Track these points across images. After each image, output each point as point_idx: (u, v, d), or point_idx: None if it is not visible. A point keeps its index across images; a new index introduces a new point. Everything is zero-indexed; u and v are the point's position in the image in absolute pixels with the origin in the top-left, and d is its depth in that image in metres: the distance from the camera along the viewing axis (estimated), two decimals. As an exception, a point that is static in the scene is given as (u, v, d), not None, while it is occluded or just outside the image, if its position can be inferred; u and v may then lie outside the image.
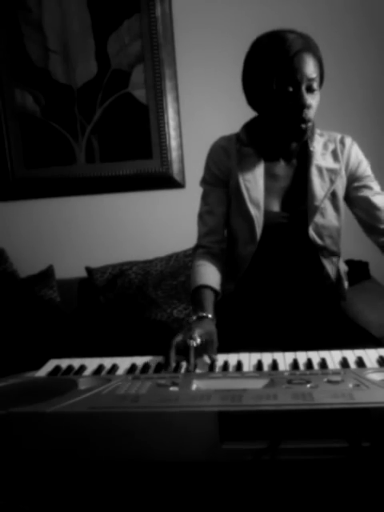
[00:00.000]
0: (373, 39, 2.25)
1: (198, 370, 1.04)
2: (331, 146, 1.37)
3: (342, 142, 1.38)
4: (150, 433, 0.73)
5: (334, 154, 1.36)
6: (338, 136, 1.39)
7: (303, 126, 1.25)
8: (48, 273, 2.28)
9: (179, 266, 2.25)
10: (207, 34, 2.29)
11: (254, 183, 1.34)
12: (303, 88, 1.21)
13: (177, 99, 2.35)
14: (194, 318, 1.23)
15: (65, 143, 2.40)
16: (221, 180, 1.39)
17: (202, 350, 1.10)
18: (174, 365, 1.05)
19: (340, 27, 2.24)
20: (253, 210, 1.34)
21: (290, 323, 1.39)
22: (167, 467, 0.74)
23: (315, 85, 1.23)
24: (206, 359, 1.09)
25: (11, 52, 2.33)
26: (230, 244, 1.45)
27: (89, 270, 2.28)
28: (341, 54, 2.23)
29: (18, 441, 0.77)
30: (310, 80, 1.22)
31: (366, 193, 1.39)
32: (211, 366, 1.05)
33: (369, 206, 1.38)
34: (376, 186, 1.41)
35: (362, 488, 0.71)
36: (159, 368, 1.06)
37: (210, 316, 1.23)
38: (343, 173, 1.36)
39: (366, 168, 1.40)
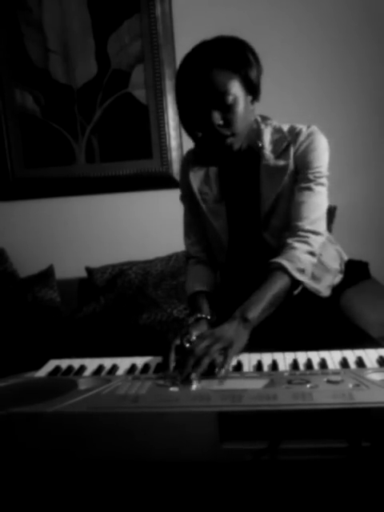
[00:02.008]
0: (374, 38, 2.25)
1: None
2: (285, 143, 1.27)
3: (298, 134, 1.26)
4: (150, 433, 0.73)
5: (285, 150, 1.27)
6: (298, 128, 1.28)
7: (223, 142, 1.18)
8: (48, 273, 2.28)
9: (179, 265, 2.25)
10: (207, 34, 2.28)
11: (212, 195, 1.34)
12: (211, 107, 1.14)
13: (177, 99, 2.35)
14: (192, 319, 1.24)
15: (65, 143, 2.39)
16: (192, 192, 1.38)
17: None
18: (173, 365, 1.05)
19: (341, 27, 2.23)
20: (214, 222, 1.33)
21: (266, 328, 1.36)
22: (167, 467, 0.74)
23: (229, 99, 1.14)
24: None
25: (11, 52, 2.33)
26: None
27: (89, 270, 2.28)
28: (341, 52, 2.23)
29: (18, 441, 0.77)
30: (220, 95, 1.13)
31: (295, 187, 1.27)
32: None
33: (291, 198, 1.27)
34: (317, 187, 1.24)
35: (362, 488, 0.71)
36: (159, 368, 1.06)
37: (208, 317, 1.24)
38: (292, 166, 1.26)
39: (312, 160, 1.25)
